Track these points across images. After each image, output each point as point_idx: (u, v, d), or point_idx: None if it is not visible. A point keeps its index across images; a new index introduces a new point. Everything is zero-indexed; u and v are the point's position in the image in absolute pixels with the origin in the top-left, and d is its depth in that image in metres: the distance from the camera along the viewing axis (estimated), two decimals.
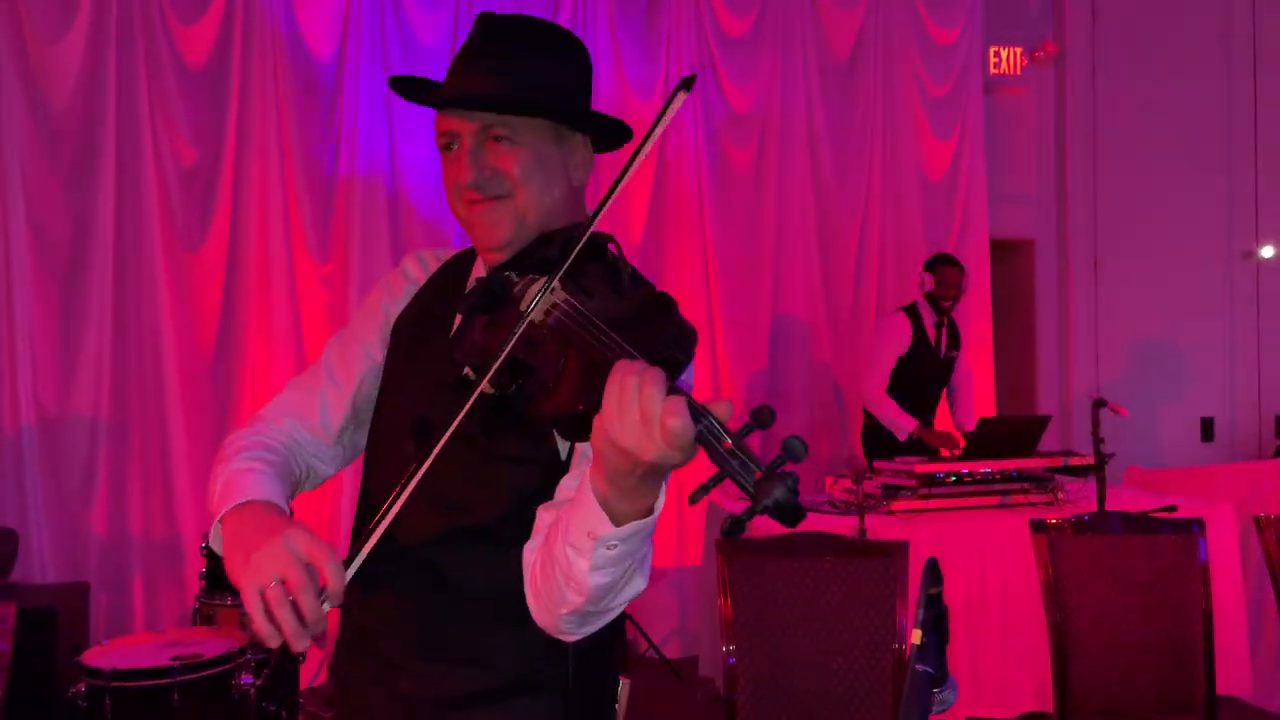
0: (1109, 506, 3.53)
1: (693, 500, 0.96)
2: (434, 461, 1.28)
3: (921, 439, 4.76)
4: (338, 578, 1.11)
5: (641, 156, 1.11)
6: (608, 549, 1.08)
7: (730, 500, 4.70)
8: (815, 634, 2.44)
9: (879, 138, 5.73)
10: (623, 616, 1.47)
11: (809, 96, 5.61)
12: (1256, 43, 6.53)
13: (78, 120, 4.55)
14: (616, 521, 1.06)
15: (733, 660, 2.45)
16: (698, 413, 0.94)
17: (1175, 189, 6.39)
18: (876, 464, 4.21)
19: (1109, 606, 2.71)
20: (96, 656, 3.05)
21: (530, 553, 1.23)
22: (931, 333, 4.94)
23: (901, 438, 4.80)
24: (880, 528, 3.56)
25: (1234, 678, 3.81)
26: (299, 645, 1.09)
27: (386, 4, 4.96)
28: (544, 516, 1.25)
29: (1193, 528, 2.75)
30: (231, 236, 4.74)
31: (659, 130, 1.10)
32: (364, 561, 1.44)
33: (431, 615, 1.33)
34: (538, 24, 1.38)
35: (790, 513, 0.89)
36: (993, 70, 6.15)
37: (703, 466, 0.96)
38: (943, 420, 5.17)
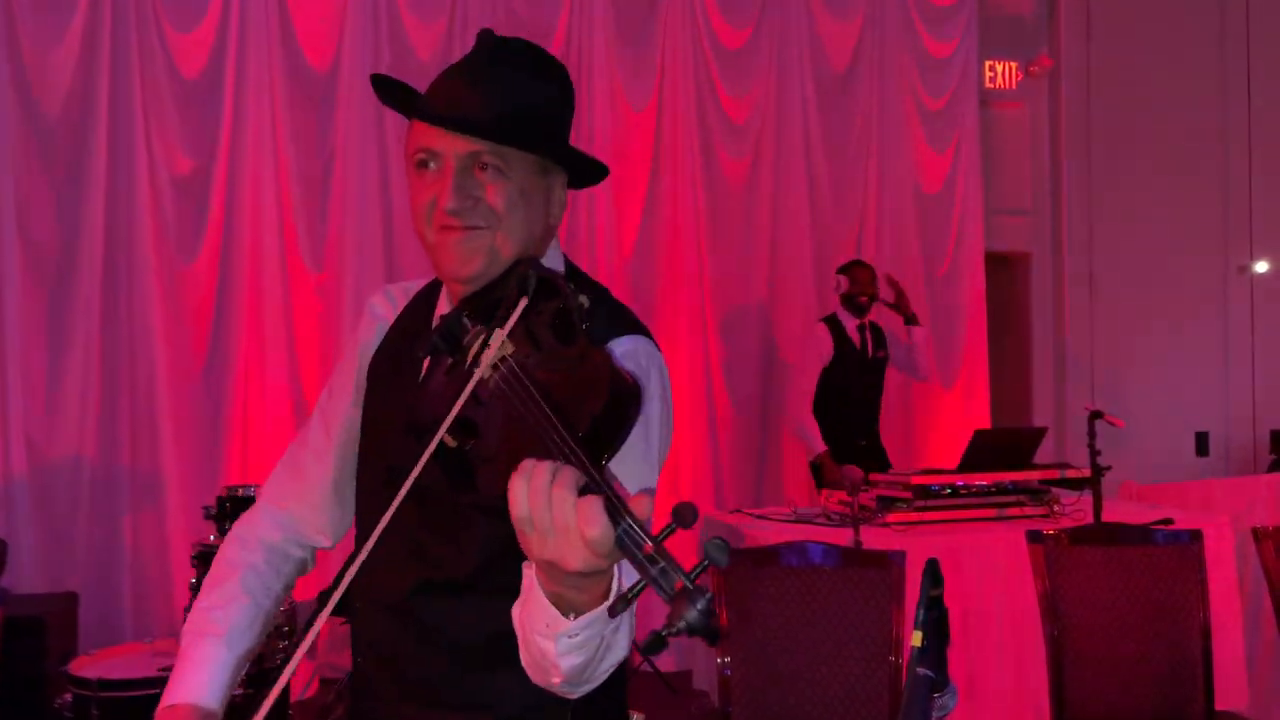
0: (1105, 520, 3.51)
1: (613, 613, 0.91)
2: (409, 514, 1.24)
3: (822, 466, 4.79)
4: None
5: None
6: (569, 638, 1.01)
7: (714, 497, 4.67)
8: (811, 645, 2.42)
9: (875, 150, 5.74)
10: (623, 671, 1.44)
11: (805, 108, 5.61)
12: (1251, 59, 6.55)
13: (70, 127, 4.55)
14: (570, 613, 0.99)
15: (728, 671, 2.43)
16: (616, 514, 0.87)
17: (1170, 203, 6.40)
18: (872, 476, 4.18)
19: (1106, 618, 2.69)
20: (84, 666, 3.02)
21: (516, 617, 1.16)
22: (855, 336, 4.95)
23: (808, 457, 4.85)
24: (875, 540, 3.54)
25: (1231, 692, 3.78)
26: None
27: (381, 15, 4.96)
28: (528, 573, 1.17)
29: (1191, 539, 2.73)
30: (225, 245, 4.72)
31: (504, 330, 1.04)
32: (355, 606, 1.40)
33: (423, 664, 1.31)
34: (541, 52, 1.33)
35: (704, 634, 0.82)
36: (988, 84, 6.17)
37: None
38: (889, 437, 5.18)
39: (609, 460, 0.97)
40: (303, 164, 4.83)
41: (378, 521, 1.35)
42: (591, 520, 0.86)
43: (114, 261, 4.56)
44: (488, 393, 1.04)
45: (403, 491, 1.05)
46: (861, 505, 3.82)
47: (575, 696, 1.16)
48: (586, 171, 1.37)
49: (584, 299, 1.09)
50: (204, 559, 3.79)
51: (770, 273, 5.54)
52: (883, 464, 4.78)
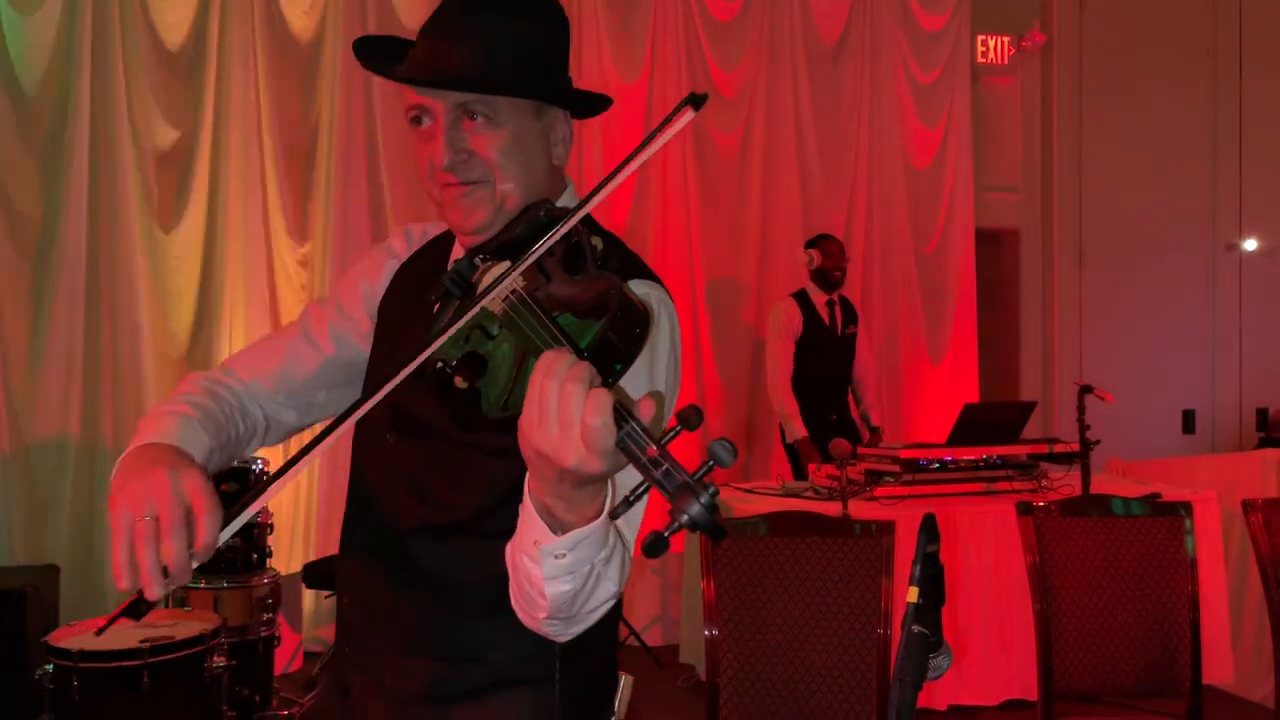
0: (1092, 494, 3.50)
1: (613, 516, 0.90)
2: (411, 455, 1.27)
3: (798, 451, 4.76)
4: (212, 531, 1.02)
5: (633, 166, 1.00)
6: (556, 558, 1.00)
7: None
8: (799, 615, 2.41)
9: (865, 125, 5.70)
10: (618, 615, 1.42)
11: (795, 82, 5.57)
12: (1243, 35, 6.53)
13: (51, 98, 4.47)
14: (559, 530, 0.98)
15: (716, 642, 2.41)
16: (621, 415, 0.87)
17: (1160, 180, 6.39)
18: (860, 450, 4.17)
19: (1095, 590, 2.68)
20: (64, 638, 2.99)
21: (507, 552, 1.15)
22: (824, 312, 4.93)
23: (788, 438, 4.81)
24: (863, 514, 3.53)
25: (1217, 667, 3.80)
26: (153, 591, 0.99)
27: None
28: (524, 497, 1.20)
29: (1180, 511, 2.73)
30: (209, 217, 4.66)
31: (656, 145, 0.99)
32: (346, 553, 1.39)
33: (412, 611, 1.28)
34: None
35: (708, 529, 0.82)
36: (980, 59, 6.14)
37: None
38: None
39: (614, 382, 0.96)
40: (287, 135, 4.76)
41: (376, 458, 1.33)
42: (595, 409, 0.85)
43: (97, 234, 4.50)
44: (496, 326, 1.03)
45: (374, 399, 1.03)
46: (850, 479, 3.81)
47: (563, 639, 1.15)
48: (587, 103, 1.34)
49: (597, 240, 1.07)
50: None
51: (760, 248, 5.51)
52: (855, 437, 4.76)
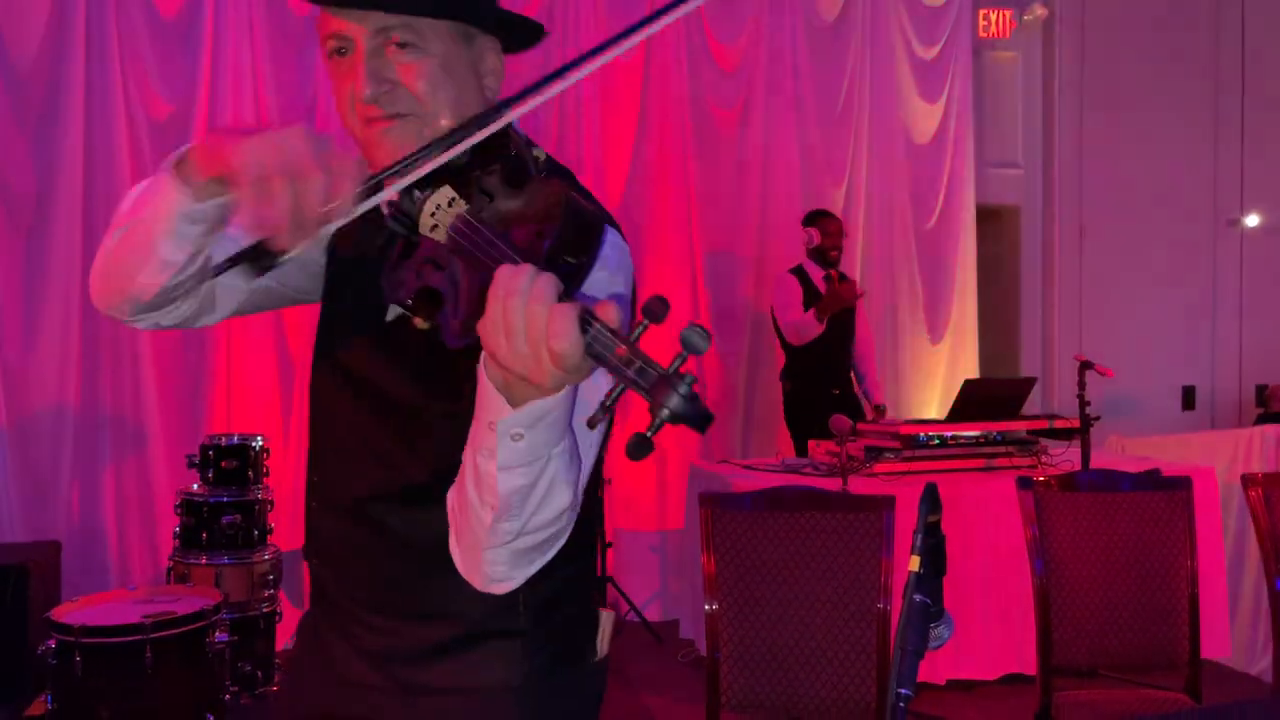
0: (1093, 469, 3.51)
1: (591, 425, 0.83)
2: (369, 421, 1.24)
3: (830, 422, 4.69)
4: (352, 190, 0.96)
5: (614, 52, 0.95)
6: (513, 439, 0.95)
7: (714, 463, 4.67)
8: (799, 590, 2.41)
9: (865, 99, 5.67)
10: (592, 568, 1.42)
11: (795, 56, 5.53)
12: (1246, 12, 6.49)
13: (45, 69, 4.43)
14: (513, 403, 0.94)
15: (716, 617, 2.42)
16: (586, 320, 0.83)
17: (1162, 156, 6.36)
18: (860, 426, 4.17)
19: (1095, 565, 2.69)
20: (67, 613, 3.00)
21: (450, 498, 1.13)
22: (822, 287, 4.90)
23: (813, 328, 4.72)
24: (863, 490, 3.53)
25: (1214, 641, 3.81)
26: (289, 241, 0.94)
27: None
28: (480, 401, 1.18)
29: (1179, 486, 2.73)
30: None
31: (651, 27, 0.94)
32: (312, 515, 1.34)
33: (380, 571, 1.27)
34: None
35: (691, 419, 0.78)
36: (981, 33, 6.09)
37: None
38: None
39: (571, 296, 0.90)
40: (284, 107, 4.73)
41: (335, 421, 1.30)
42: (559, 333, 0.81)
43: (92, 208, 4.47)
44: (443, 255, 0.99)
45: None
46: (849, 455, 3.82)
47: (510, 584, 1.11)
48: (519, 33, 1.25)
49: (539, 152, 1.04)
50: (187, 507, 3.77)
51: (759, 223, 5.49)
52: (857, 413, 4.76)
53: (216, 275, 1.02)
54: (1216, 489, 4.04)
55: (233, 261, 0.96)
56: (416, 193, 1.08)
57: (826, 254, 4.89)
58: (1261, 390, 6.50)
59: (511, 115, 0.99)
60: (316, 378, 1.35)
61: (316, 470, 1.34)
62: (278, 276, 1.30)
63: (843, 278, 4.98)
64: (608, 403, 0.83)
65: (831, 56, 5.62)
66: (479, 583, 1.11)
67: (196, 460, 3.85)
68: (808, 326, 4.76)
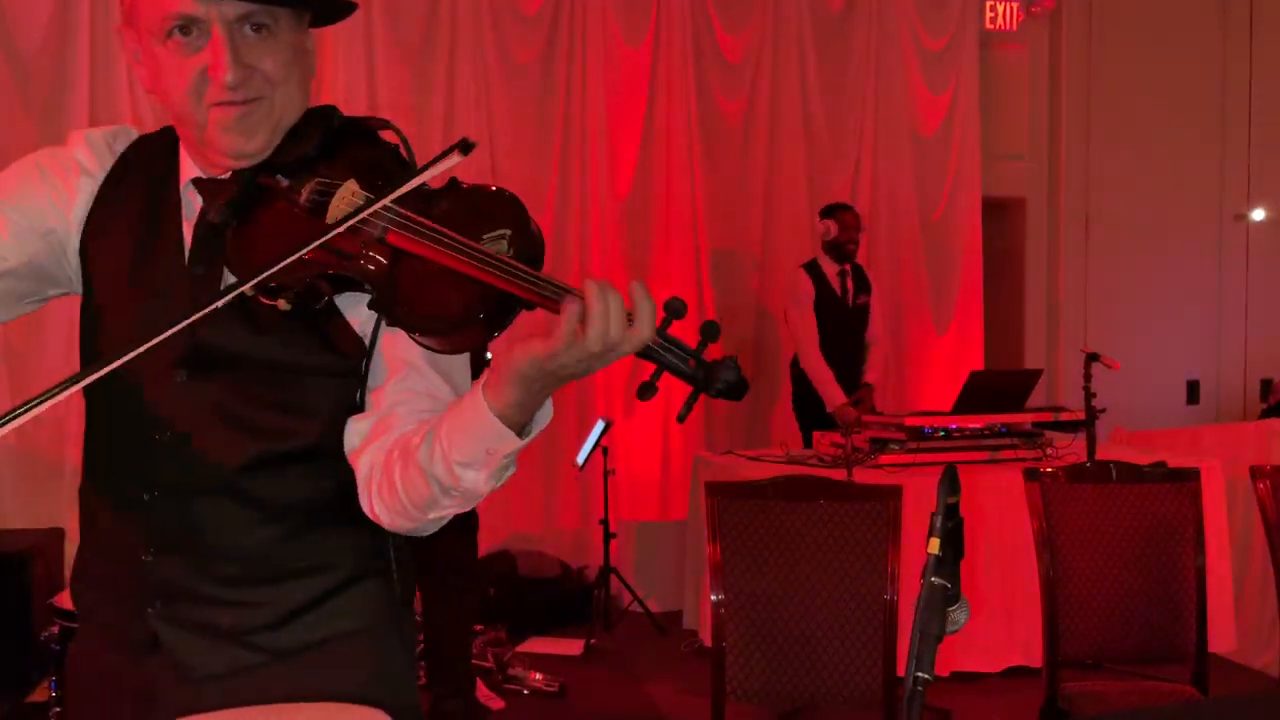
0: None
1: (642, 397, 1.01)
2: (219, 390, 1.20)
3: (837, 415, 4.64)
4: None
5: (398, 192, 1.02)
6: (505, 459, 1.07)
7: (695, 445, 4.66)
8: (805, 580, 2.40)
9: (872, 91, 5.65)
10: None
11: (802, 47, 5.51)
12: (1253, 3, 6.45)
13: (50, 60, 4.42)
14: (520, 434, 1.06)
15: (721, 607, 2.41)
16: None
17: (1168, 150, 6.34)
18: (865, 418, 4.17)
19: (1101, 556, 2.68)
20: (71, 599, 2.99)
21: (370, 466, 1.18)
22: (835, 282, 4.88)
23: (828, 408, 4.72)
24: (868, 481, 3.53)
25: (1220, 634, 3.80)
26: None
27: None
28: (358, 426, 1.20)
29: (1188, 478, 2.72)
30: None
31: (413, 182, 1.02)
32: (133, 506, 1.25)
33: (248, 541, 1.22)
34: None
35: (740, 389, 0.99)
36: (988, 25, 6.06)
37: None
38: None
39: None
40: None
41: (159, 401, 1.22)
42: (646, 321, 0.99)
43: None
44: (359, 246, 1.05)
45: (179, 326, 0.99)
46: (854, 446, 3.81)
47: (430, 533, 1.20)
48: (332, 9, 1.25)
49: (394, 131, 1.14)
50: None
51: (765, 214, 5.47)
52: (869, 410, 4.75)
53: None
54: (1222, 482, 4.03)
55: None
56: (280, 178, 1.13)
57: (843, 247, 4.85)
58: (1267, 384, 6.48)
59: (422, 179, 1.04)
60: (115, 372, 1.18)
61: (141, 461, 1.24)
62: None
63: (858, 272, 4.95)
64: (651, 382, 1.00)
65: (838, 48, 5.60)
66: (401, 531, 1.21)
67: None
68: (822, 387, 4.72)
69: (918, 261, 5.76)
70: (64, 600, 2.97)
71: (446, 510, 1.15)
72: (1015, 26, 6.14)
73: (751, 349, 5.44)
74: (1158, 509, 2.71)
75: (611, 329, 0.96)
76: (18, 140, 4.38)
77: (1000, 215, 6.30)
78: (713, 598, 2.43)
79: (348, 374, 1.22)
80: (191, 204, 1.23)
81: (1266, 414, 6.11)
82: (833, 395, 4.70)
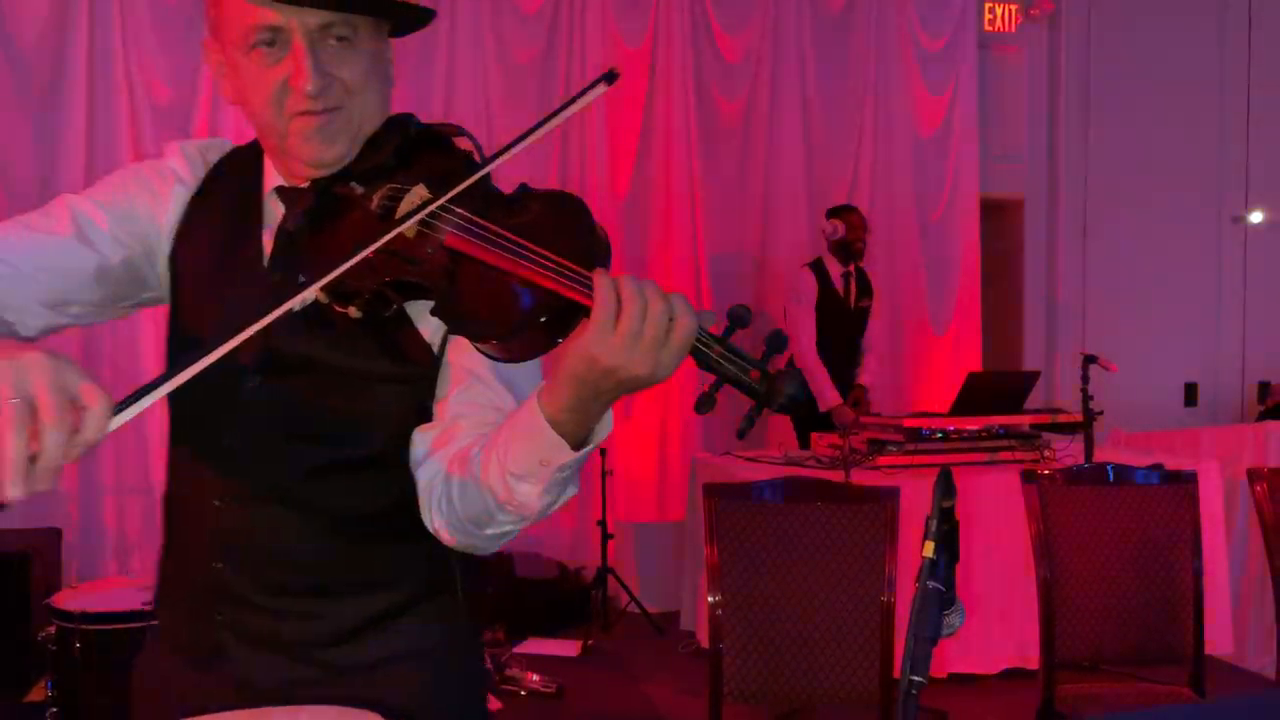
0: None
1: (700, 410, 0.94)
2: (290, 398, 1.20)
3: (834, 415, 4.66)
4: (99, 422, 0.85)
5: (542, 132, 1.02)
6: (560, 473, 1.02)
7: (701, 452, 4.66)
8: (803, 581, 2.40)
9: (871, 92, 5.65)
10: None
11: (801, 48, 5.52)
12: (1251, 5, 6.46)
13: (47, 54, 4.43)
14: (575, 445, 1.00)
15: (719, 608, 2.41)
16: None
17: (1167, 152, 6.34)
18: (863, 419, 4.17)
19: (1099, 558, 2.68)
20: (67, 599, 2.99)
21: (431, 478, 1.15)
22: (839, 284, 4.88)
23: (821, 408, 4.73)
24: (866, 483, 3.53)
25: (1217, 636, 3.81)
26: (10, 490, 0.82)
27: None
28: (424, 437, 1.18)
29: (1184, 480, 2.72)
30: None
31: (564, 115, 1.02)
32: (223, 519, 1.25)
33: (315, 552, 1.23)
34: None
35: (802, 404, 0.91)
36: (987, 27, 6.07)
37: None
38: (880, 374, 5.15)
39: None
40: None
41: (233, 410, 1.22)
42: (686, 310, 0.91)
43: None
44: (425, 251, 1.02)
45: (250, 331, 0.96)
46: (852, 448, 3.81)
47: (490, 551, 1.17)
48: (412, 18, 1.25)
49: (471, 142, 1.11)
50: None
51: (763, 215, 5.48)
52: (864, 412, 4.75)
53: None
54: (1219, 485, 4.03)
55: None
56: (354, 185, 1.12)
57: (851, 246, 4.85)
58: (1264, 387, 6.48)
59: (492, 166, 1.05)
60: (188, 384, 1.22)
61: (213, 469, 1.26)
62: (86, 292, 1.22)
63: (861, 276, 4.95)
64: (711, 393, 0.95)
65: (837, 48, 5.61)
66: (461, 548, 1.17)
67: None
68: (820, 392, 4.70)
69: (916, 262, 5.77)
70: (61, 600, 2.97)
71: (504, 528, 1.11)
72: (1014, 28, 6.15)
73: (749, 349, 5.43)
74: (1155, 511, 2.71)
75: (646, 320, 0.90)
76: (14, 135, 4.38)
77: (998, 216, 6.30)
78: (710, 599, 2.42)
79: (415, 383, 1.20)
80: (274, 212, 1.23)
81: (1264, 416, 6.12)
82: (827, 395, 4.71)
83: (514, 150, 1.03)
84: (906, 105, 5.73)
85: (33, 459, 0.83)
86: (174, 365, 0.92)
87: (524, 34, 5.12)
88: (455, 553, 1.22)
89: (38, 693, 3.30)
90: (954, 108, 5.79)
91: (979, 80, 5.89)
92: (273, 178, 1.25)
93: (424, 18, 1.25)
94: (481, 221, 1.00)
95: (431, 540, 1.18)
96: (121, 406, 0.89)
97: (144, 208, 1.25)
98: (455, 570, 1.28)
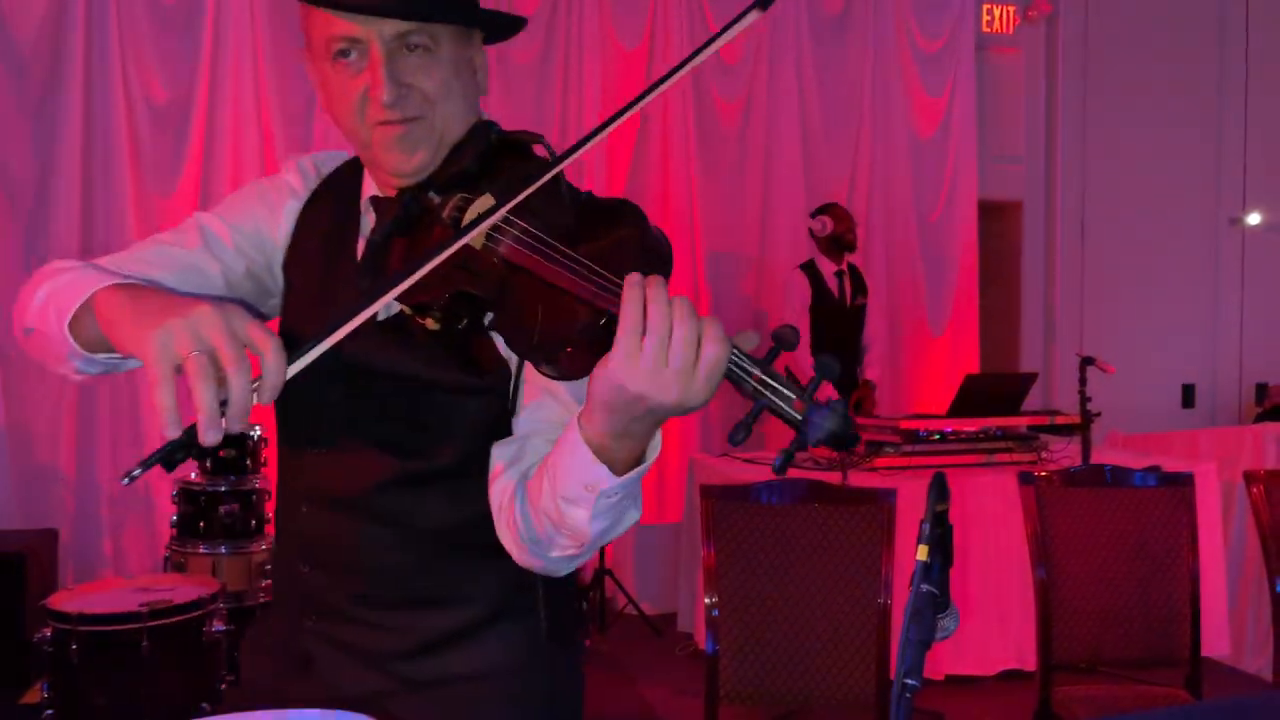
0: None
1: (734, 442, 0.87)
2: (369, 406, 1.22)
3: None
4: (278, 367, 0.89)
5: (685, 71, 0.99)
6: (608, 499, 0.99)
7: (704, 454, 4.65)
8: (800, 583, 2.40)
9: (869, 93, 5.65)
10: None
11: (799, 49, 5.52)
12: (1249, 6, 6.47)
13: (44, 54, 4.42)
14: (615, 470, 0.97)
15: (715, 610, 2.41)
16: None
17: (1164, 154, 6.35)
18: (860, 421, 4.16)
19: (1096, 560, 2.68)
20: (64, 601, 2.99)
21: (502, 494, 1.14)
22: (833, 283, 4.85)
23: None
24: (864, 484, 3.52)
25: (1213, 638, 3.81)
26: (211, 435, 0.86)
27: None
28: (501, 452, 1.17)
29: (1183, 482, 2.72)
30: (204, 178, 4.62)
31: (709, 51, 0.99)
32: (295, 519, 1.30)
33: (392, 563, 1.24)
34: None
35: (848, 440, 0.84)
36: (985, 28, 6.07)
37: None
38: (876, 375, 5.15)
39: None
40: (285, 93, 4.71)
41: (318, 416, 1.25)
42: (717, 337, 0.85)
43: (91, 194, 4.46)
44: (486, 264, 1.00)
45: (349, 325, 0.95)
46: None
47: (562, 574, 1.16)
48: (501, 26, 1.26)
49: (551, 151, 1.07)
50: (185, 496, 3.76)
51: (761, 217, 5.48)
52: (870, 407, 4.74)
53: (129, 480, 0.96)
54: (1217, 486, 4.04)
55: (145, 465, 0.90)
56: (432, 195, 1.10)
57: (842, 239, 4.82)
58: (1262, 389, 6.49)
59: (562, 166, 1.02)
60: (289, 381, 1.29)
61: (302, 474, 1.29)
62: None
63: (855, 274, 4.94)
64: (749, 421, 0.87)
65: (835, 50, 5.61)
66: (533, 569, 1.15)
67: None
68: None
69: (914, 264, 5.77)
70: (57, 602, 2.97)
71: (566, 551, 1.08)
72: (1011, 30, 6.15)
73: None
74: (1152, 513, 2.71)
75: (672, 345, 0.86)
76: (11, 133, 4.38)
77: (996, 218, 6.31)
78: (706, 600, 2.42)
79: (491, 397, 1.19)
80: (369, 221, 1.25)
81: (1261, 418, 6.12)
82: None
83: (579, 153, 1.01)
84: (904, 106, 5.73)
85: (223, 404, 0.87)
86: (332, 323, 0.94)
87: (521, 35, 5.10)
88: (542, 581, 1.23)
89: (33, 694, 3.30)
90: (952, 109, 5.80)
91: (977, 82, 5.89)
92: (369, 187, 1.28)
93: (513, 25, 1.26)
94: (534, 232, 0.98)
95: (509, 557, 1.16)
96: (295, 356, 0.92)
97: (262, 221, 1.31)
98: (538, 589, 1.27)
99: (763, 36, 5.45)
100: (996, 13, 6.14)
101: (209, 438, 0.87)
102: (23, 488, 4.36)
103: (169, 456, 0.89)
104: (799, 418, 0.86)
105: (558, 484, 1.01)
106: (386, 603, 1.24)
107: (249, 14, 4.64)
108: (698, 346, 0.87)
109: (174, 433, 0.87)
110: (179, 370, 0.88)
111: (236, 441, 3.81)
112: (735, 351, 0.87)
